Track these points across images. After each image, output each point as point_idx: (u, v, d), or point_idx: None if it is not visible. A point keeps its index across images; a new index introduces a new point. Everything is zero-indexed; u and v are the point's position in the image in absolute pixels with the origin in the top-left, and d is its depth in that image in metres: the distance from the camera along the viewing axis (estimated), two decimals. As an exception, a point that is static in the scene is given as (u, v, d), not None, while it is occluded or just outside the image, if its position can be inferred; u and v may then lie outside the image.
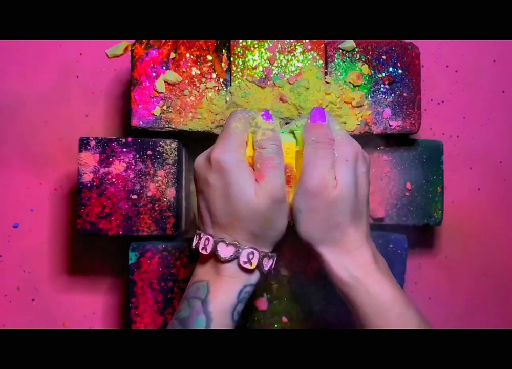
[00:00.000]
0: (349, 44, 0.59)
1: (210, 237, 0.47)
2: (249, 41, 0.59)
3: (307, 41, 0.59)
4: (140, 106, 0.58)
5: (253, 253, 0.47)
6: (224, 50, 0.59)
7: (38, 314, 0.68)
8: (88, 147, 0.59)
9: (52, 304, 0.68)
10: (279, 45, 0.59)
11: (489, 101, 0.69)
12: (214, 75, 0.59)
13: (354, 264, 0.47)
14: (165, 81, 0.58)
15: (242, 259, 0.47)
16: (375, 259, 0.48)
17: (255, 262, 0.47)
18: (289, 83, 0.58)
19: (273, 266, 0.49)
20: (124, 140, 0.59)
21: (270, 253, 0.48)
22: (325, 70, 0.59)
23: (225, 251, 0.46)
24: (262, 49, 0.59)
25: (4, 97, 0.68)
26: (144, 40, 0.59)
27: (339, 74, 0.59)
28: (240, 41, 0.59)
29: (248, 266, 0.47)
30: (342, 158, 0.47)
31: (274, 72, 0.59)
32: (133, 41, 0.59)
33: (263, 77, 0.59)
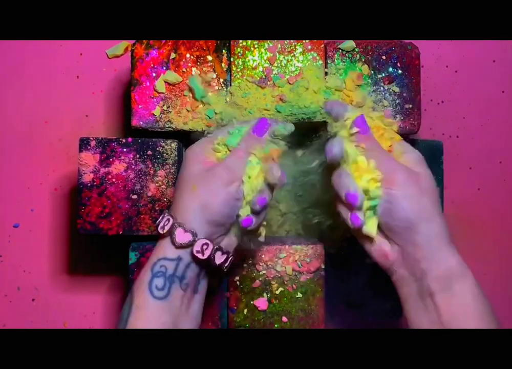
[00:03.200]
0: (349, 44, 0.59)
1: (170, 218, 0.49)
2: (249, 41, 0.59)
3: (307, 41, 0.59)
4: (140, 106, 0.58)
5: (207, 244, 0.48)
6: (224, 51, 0.59)
7: (38, 314, 0.68)
8: (89, 147, 0.59)
9: (53, 304, 0.68)
10: (279, 46, 0.59)
11: (489, 101, 0.69)
12: (214, 75, 0.59)
13: (458, 254, 0.49)
14: (165, 81, 0.58)
15: (196, 247, 0.48)
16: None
17: (207, 253, 0.48)
18: (289, 83, 0.58)
19: (227, 264, 0.51)
20: (124, 140, 0.59)
21: (224, 249, 0.50)
22: (325, 70, 0.59)
23: (181, 236, 0.48)
24: (262, 50, 0.59)
25: (4, 97, 0.68)
26: (144, 40, 0.59)
27: (339, 74, 0.59)
28: (240, 41, 0.59)
29: (200, 255, 0.48)
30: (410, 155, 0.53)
31: (274, 72, 0.59)
32: (134, 41, 0.59)
33: (263, 77, 0.59)
